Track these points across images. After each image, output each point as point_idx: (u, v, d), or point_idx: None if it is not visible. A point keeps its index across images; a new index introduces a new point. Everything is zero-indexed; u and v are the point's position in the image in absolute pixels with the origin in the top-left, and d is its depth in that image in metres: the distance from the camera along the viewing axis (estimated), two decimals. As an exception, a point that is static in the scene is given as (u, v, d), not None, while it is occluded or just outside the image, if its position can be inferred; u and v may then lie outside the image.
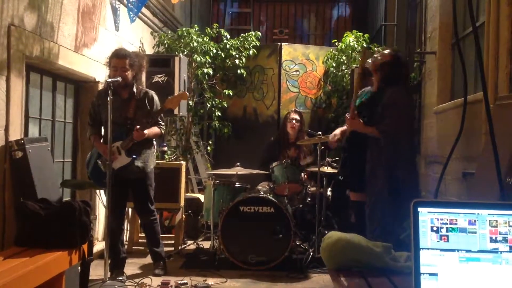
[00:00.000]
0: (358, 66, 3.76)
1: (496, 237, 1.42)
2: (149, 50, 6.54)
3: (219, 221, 4.69)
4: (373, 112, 3.81)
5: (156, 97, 4.28)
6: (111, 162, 3.83)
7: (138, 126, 4.01)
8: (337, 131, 4.23)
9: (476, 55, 2.99)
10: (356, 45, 6.76)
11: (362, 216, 3.96)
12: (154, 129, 4.20)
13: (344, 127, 4.15)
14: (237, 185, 5.05)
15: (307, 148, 5.80)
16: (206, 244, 5.31)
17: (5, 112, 3.62)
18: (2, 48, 3.56)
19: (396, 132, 3.66)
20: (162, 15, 6.98)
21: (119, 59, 4.09)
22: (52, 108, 4.64)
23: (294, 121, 5.77)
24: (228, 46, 6.79)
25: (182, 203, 5.45)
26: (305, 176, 5.35)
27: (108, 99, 3.76)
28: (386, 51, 3.90)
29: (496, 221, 1.42)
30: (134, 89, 4.17)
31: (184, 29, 6.61)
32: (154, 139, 4.44)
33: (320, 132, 5.22)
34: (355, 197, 4.10)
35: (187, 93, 4.49)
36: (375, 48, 6.66)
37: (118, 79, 3.92)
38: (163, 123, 4.32)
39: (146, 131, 4.06)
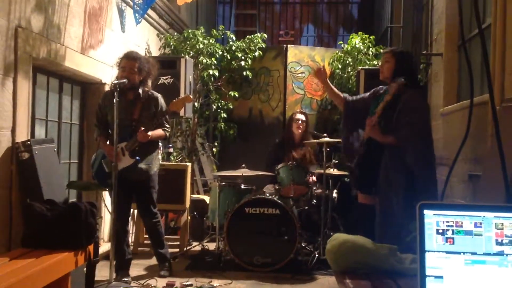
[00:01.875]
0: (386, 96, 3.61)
1: (502, 240, 1.42)
2: (155, 52, 6.56)
3: (224, 222, 4.69)
4: (391, 117, 3.65)
5: (161, 99, 4.29)
6: (116, 163, 3.84)
7: (143, 128, 4.02)
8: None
9: (482, 57, 2.97)
10: (362, 47, 6.75)
11: (368, 219, 3.94)
12: (159, 131, 4.21)
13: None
14: (242, 186, 5.05)
15: (311, 153, 5.75)
16: (212, 246, 5.31)
17: (12, 113, 3.64)
18: (9, 50, 3.58)
19: (413, 137, 3.53)
20: (168, 17, 7.00)
21: (128, 61, 4.10)
22: (58, 109, 4.66)
23: (300, 122, 5.74)
24: (234, 48, 6.81)
25: (187, 204, 5.45)
26: (313, 178, 5.34)
27: (114, 100, 3.77)
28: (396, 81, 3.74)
29: (502, 224, 1.42)
30: (140, 91, 4.18)
31: (190, 31, 6.63)
32: (159, 142, 4.45)
33: (326, 134, 5.22)
34: (365, 200, 4.02)
35: (191, 97, 4.49)
36: (381, 50, 6.67)
37: (124, 81, 3.93)
38: (168, 126, 4.33)
39: (150, 133, 4.07)
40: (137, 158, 4.10)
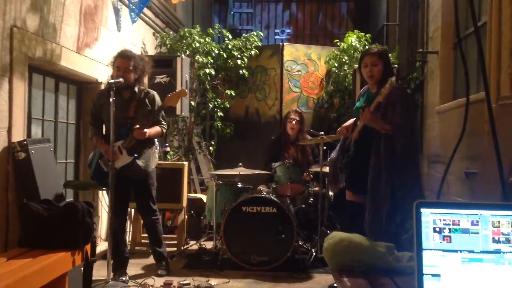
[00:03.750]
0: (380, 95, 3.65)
1: (498, 238, 1.42)
2: (151, 51, 6.55)
3: (221, 221, 4.69)
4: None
5: (157, 97, 4.29)
6: (113, 162, 3.83)
7: (138, 125, 4.02)
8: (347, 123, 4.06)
9: (478, 55, 2.98)
10: (358, 45, 6.75)
11: (357, 216, 3.92)
12: (156, 128, 4.21)
13: (351, 121, 4.02)
14: (239, 185, 5.05)
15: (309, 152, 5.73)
16: (209, 245, 5.31)
17: (8, 113, 3.63)
18: (4, 50, 3.57)
19: (406, 125, 3.53)
20: (164, 15, 6.99)
21: (123, 60, 4.09)
22: (54, 109, 4.65)
23: (293, 122, 5.69)
24: (230, 46, 6.80)
25: (184, 203, 5.45)
26: (309, 175, 5.33)
27: (111, 99, 3.76)
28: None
29: (499, 222, 1.42)
30: (136, 89, 4.18)
31: (186, 29, 6.62)
32: (156, 139, 4.44)
33: (322, 132, 5.21)
34: (353, 198, 4.00)
35: (186, 90, 4.48)
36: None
37: (121, 80, 3.92)
38: (164, 123, 4.33)
39: (146, 130, 4.06)
40: (135, 155, 4.10)
